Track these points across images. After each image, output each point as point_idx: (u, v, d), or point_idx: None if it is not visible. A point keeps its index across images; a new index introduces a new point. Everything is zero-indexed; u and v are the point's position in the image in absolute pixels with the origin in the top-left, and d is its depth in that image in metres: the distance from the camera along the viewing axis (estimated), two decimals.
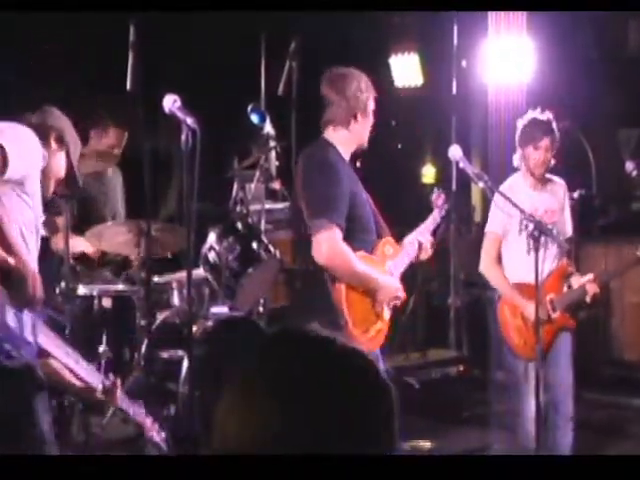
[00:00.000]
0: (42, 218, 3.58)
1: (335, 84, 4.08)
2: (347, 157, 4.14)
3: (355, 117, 4.06)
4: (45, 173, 3.52)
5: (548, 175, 5.12)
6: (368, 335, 4.04)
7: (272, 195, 6.09)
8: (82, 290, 5.55)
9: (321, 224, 3.85)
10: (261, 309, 5.53)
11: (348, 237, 3.94)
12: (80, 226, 5.48)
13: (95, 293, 5.38)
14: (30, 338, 3.39)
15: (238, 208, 5.39)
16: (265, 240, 5.18)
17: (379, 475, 1.36)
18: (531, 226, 4.40)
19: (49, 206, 5.55)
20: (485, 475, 2.47)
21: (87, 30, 6.27)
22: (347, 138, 4.10)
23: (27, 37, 6.22)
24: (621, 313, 7.02)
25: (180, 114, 3.43)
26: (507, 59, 6.75)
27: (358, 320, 3.99)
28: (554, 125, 5.00)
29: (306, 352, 1.39)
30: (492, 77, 6.79)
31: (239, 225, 5.18)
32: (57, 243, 5.48)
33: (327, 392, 1.34)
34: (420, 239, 4.33)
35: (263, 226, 5.63)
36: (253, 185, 5.65)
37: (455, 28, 7.31)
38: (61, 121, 3.68)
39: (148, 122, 4.97)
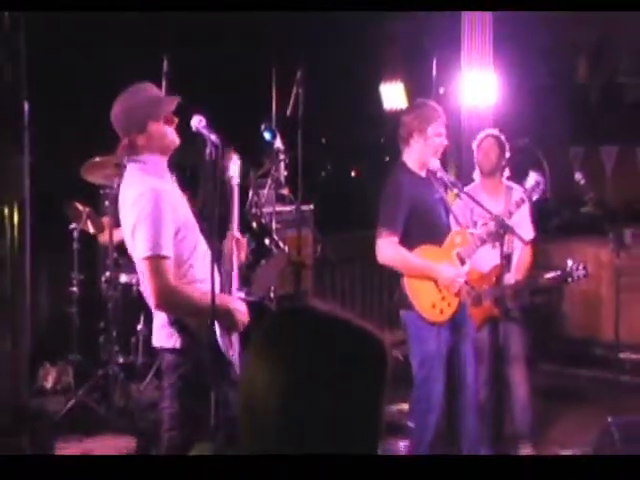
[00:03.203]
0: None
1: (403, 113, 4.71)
2: (417, 170, 4.52)
3: (412, 136, 4.49)
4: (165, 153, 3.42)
5: (507, 182, 5.25)
6: (436, 310, 4.39)
7: (281, 199, 6.09)
8: (124, 278, 5.70)
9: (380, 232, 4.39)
10: (272, 295, 5.63)
11: (415, 233, 4.38)
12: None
13: (134, 281, 5.46)
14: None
15: (253, 210, 5.38)
16: (275, 237, 5.20)
17: (379, 476, 1.30)
18: (493, 225, 4.44)
19: (98, 209, 5.74)
20: (485, 475, 2.37)
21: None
22: (408, 154, 4.54)
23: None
24: (571, 297, 7.22)
25: (205, 132, 3.34)
26: (477, 87, 6.91)
27: (422, 300, 4.38)
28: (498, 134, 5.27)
29: (308, 324, 1.35)
30: (465, 102, 6.97)
31: (254, 224, 5.17)
32: (103, 239, 5.63)
33: (324, 360, 1.30)
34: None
35: (274, 225, 5.68)
36: (266, 191, 5.69)
37: (434, 62, 7.57)
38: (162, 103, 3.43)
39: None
